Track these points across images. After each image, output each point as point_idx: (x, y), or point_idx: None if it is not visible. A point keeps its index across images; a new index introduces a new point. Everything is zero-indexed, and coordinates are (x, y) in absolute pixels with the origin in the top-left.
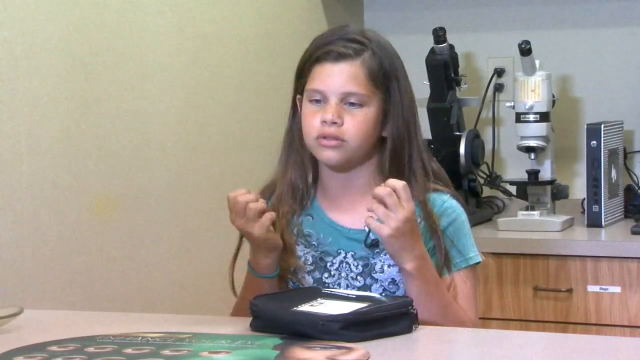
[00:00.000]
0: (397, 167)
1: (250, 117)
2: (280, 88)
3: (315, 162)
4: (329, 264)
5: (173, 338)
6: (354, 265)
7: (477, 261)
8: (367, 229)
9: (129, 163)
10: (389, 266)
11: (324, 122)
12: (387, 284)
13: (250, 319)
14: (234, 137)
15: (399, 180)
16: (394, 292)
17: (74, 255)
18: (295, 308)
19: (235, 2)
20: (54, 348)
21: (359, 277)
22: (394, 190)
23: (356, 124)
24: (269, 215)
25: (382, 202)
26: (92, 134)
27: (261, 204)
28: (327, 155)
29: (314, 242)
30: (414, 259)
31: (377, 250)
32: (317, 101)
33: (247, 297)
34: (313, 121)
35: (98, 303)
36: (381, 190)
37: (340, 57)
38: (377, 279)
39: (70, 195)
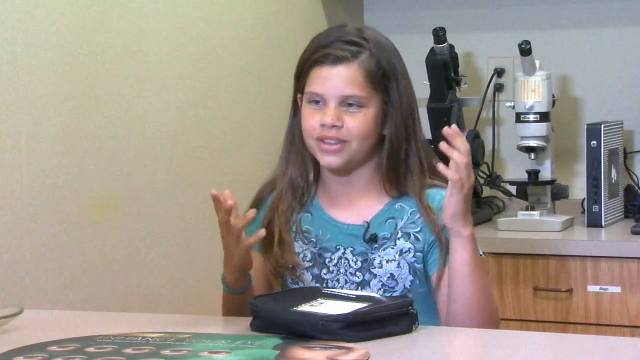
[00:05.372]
0: (394, 164)
1: (250, 117)
2: (280, 88)
3: (316, 161)
4: (327, 260)
5: (173, 338)
6: (352, 261)
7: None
8: (365, 224)
9: (128, 163)
10: (387, 261)
11: (323, 125)
12: (385, 279)
13: (250, 319)
14: (234, 137)
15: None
16: (393, 287)
17: (74, 255)
18: (295, 308)
19: (235, 2)
20: (54, 348)
21: (357, 273)
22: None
23: (357, 125)
24: (257, 236)
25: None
26: (92, 134)
27: (242, 221)
28: (328, 160)
29: (312, 239)
30: (471, 225)
31: (376, 245)
32: (317, 102)
33: (225, 312)
34: (312, 122)
35: (98, 303)
36: (463, 147)
37: (337, 60)
38: (375, 274)
39: (70, 196)
